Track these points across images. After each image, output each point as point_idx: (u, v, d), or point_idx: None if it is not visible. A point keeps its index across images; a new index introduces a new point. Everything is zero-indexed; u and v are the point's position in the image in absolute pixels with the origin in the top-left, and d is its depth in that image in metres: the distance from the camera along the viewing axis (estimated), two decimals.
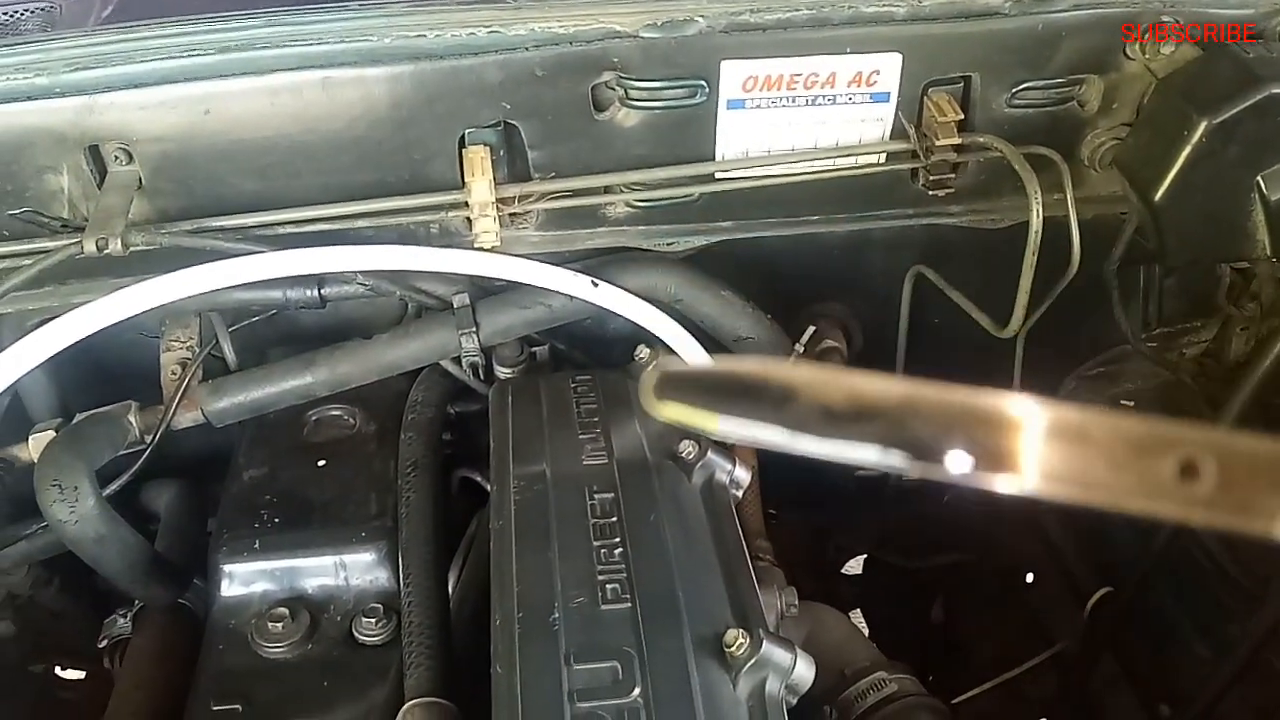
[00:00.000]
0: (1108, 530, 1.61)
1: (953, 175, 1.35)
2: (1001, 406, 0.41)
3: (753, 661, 0.93)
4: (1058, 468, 0.40)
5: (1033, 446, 0.40)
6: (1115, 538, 1.59)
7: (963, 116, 1.27)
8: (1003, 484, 0.40)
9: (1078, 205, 1.29)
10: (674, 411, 0.43)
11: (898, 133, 1.30)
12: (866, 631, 1.86)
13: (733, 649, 0.94)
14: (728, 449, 1.32)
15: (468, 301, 1.35)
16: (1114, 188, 1.40)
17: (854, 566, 2.11)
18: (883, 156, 1.33)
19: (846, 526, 1.93)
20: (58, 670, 1.73)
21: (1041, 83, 1.30)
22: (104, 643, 1.47)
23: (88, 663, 1.69)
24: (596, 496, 1.10)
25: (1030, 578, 1.74)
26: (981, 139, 1.29)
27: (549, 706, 0.88)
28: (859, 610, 1.98)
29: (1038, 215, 1.23)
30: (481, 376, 1.41)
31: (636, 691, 0.90)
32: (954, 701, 1.36)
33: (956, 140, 1.26)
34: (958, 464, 0.40)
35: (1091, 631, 1.55)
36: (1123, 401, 1.70)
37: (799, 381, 0.42)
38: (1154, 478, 0.38)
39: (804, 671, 0.96)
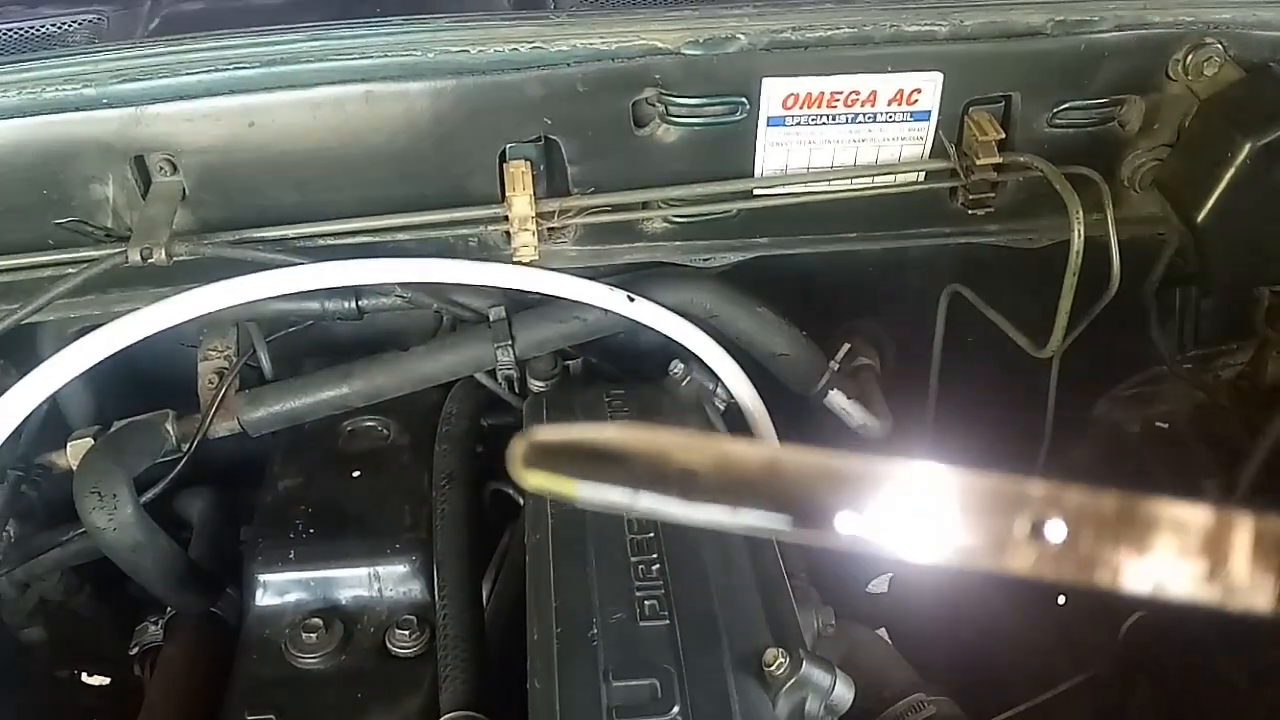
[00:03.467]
0: None
1: (992, 194, 1.34)
2: (863, 470, 0.41)
3: (792, 681, 0.93)
4: (918, 530, 0.41)
5: (895, 510, 0.41)
6: None
7: (1003, 136, 1.26)
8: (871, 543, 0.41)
9: (1117, 225, 1.29)
10: (539, 479, 0.43)
11: (937, 151, 1.30)
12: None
13: (772, 668, 0.93)
14: None
15: (504, 315, 1.35)
16: (1153, 208, 1.39)
17: (879, 584, 2.09)
18: (922, 175, 1.32)
19: None
20: (83, 676, 1.74)
21: (1082, 103, 1.29)
22: (135, 650, 1.47)
23: (114, 668, 1.69)
24: None
25: (1062, 599, 1.72)
26: (1022, 158, 1.28)
27: None
28: (884, 629, 1.97)
29: (1079, 235, 1.23)
30: (515, 389, 1.41)
31: (676, 709, 0.90)
32: None
33: (997, 159, 1.25)
34: (845, 525, 0.41)
35: (1126, 656, 1.53)
36: (1158, 424, 1.69)
37: (666, 448, 0.42)
38: (1007, 535, 0.40)
39: (843, 692, 0.96)
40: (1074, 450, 1.71)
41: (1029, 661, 1.71)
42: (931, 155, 1.31)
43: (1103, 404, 1.73)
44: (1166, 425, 1.66)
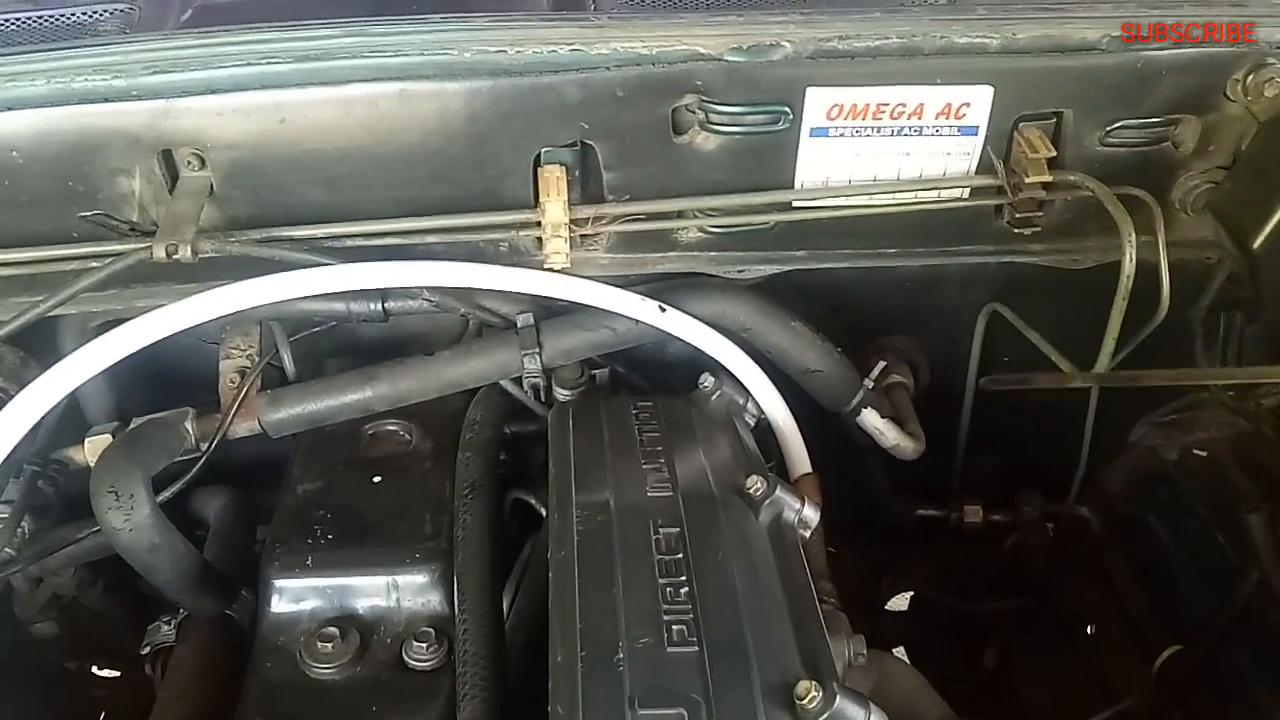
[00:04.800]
0: (1180, 585, 1.55)
1: (1039, 213, 1.31)
2: None
3: (825, 717, 0.89)
4: None
5: None
6: (1188, 593, 1.53)
7: (1054, 153, 1.22)
8: None
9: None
10: None
11: (984, 167, 1.26)
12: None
13: (804, 701, 0.90)
14: (795, 486, 1.29)
15: (532, 321, 1.33)
16: (1204, 232, 1.36)
17: (899, 603, 2.05)
18: (967, 191, 1.29)
19: (900, 564, 1.88)
20: (94, 669, 1.73)
21: (1136, 121, 1.26)
22: (147, 649, 1.46)
23: (125, 663, 1.68)
24: (661, 531, 1.06)
25: (1091, 629, 1.68)
26: (1072, 177, 1.24)
27: None
28: (903, 649, 1.93)
29: (1130, 259, 1.19)
30: (541, 398, 1.38)
31: None
32: None
33: (1047, 177, 1.22)
34: None
35: (1159, 690, 1.49)
36: (1195, 451, 1.65)
37: None
38: None
39: None
40: (1108, 477, 1.67)
41: (1053, 694, 1.67)
42: (978, 171, 1.27)
43: (1139, 429, 1.69)
44: (1205, 453, 1.61)
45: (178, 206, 1.18)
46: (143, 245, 1.16)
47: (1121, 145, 1.27)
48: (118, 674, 1.74)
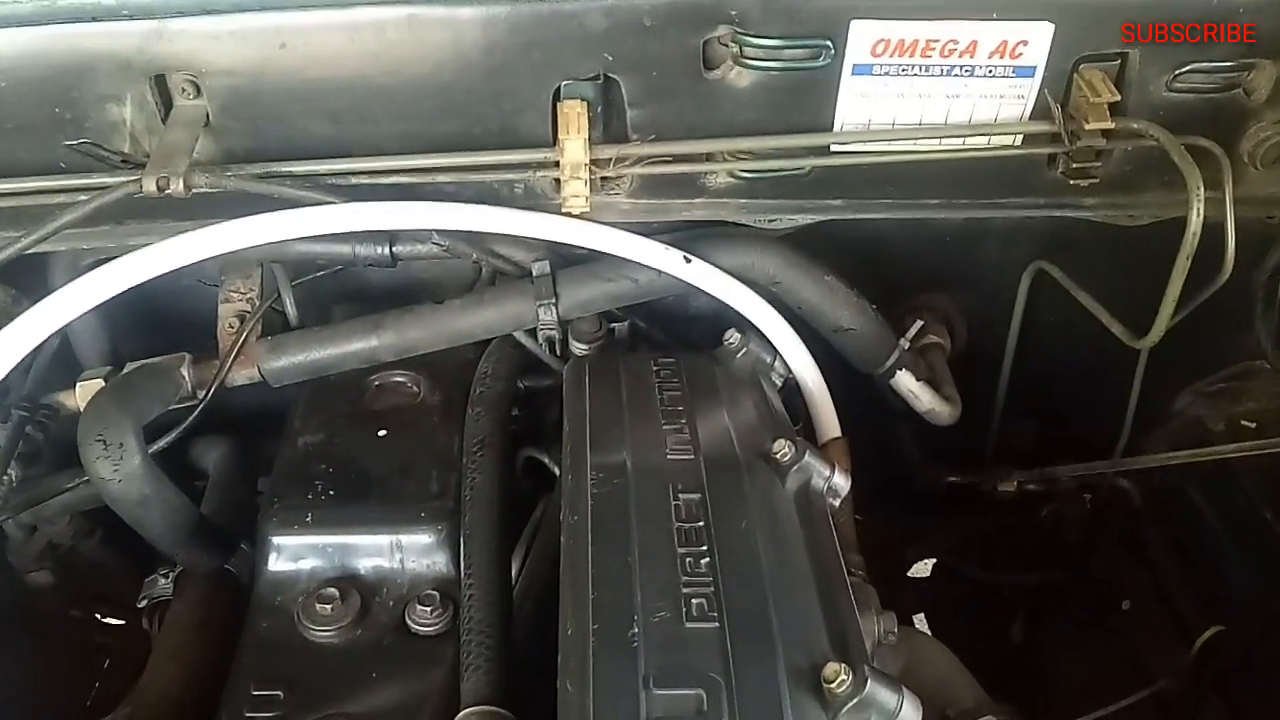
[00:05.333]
0: (1224, 563, 1.48)
1: (1097, 163, 1.21)
2: None
3: (855, 702, 0.83)
4: None
5: None
6: (1233, 573, 1.46)
7: (1118, 98, 1.13)
8: None
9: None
10: None
11: (1040, 112, 1.17)
12: None
13: (833, 685, 0.83)
14: (824, 451, 1.22)
15: (548, 270, 1.26)
16: (1273, 188, 1.26)
17: (921, 569, 1.99)
18: (1020, 138, 1.20)
19: (928, 532, 1.81)
20: (99, 617, 1.69)
21: (1208, 65, 1.16)
22: (144, 603, 1.42)
23: (128, 612, 1.64)
24: (681, 496, 1.00)
25: (1127, 605, 1.61)
26: (1136, 125, 1.15)
27: None
28: (923, 615, 1.87)
29: (1198, 214, 1.10)
30: (556, 351, 1.31)
31: None
32: None
33: (1108, 124, 1.12)
34: None
35: (1197, 673, 1.43)
36: (1244, 422, 1.57)
37: None
38: None
39: (910, 715, 0.86)
40: (1150, 447, 1.59)
41: (1084, 671, 1.61)
42: (1032, 116, 1.18)
43: (1184, 397, 1.62)
44: (1255, 424, 1.54)
45: (171, 137, 1.11)
46: (132, 178, 1.08)
47: (1190, 91, 1.17)
48: (122, 622, 1.71)
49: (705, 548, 0.94)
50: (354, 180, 1.18)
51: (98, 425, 1.11)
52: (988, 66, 1.14)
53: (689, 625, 0.87)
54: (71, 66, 1.10)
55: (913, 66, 1.14)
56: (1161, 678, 1.46)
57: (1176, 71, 1.16)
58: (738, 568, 0.93)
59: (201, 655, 1.23)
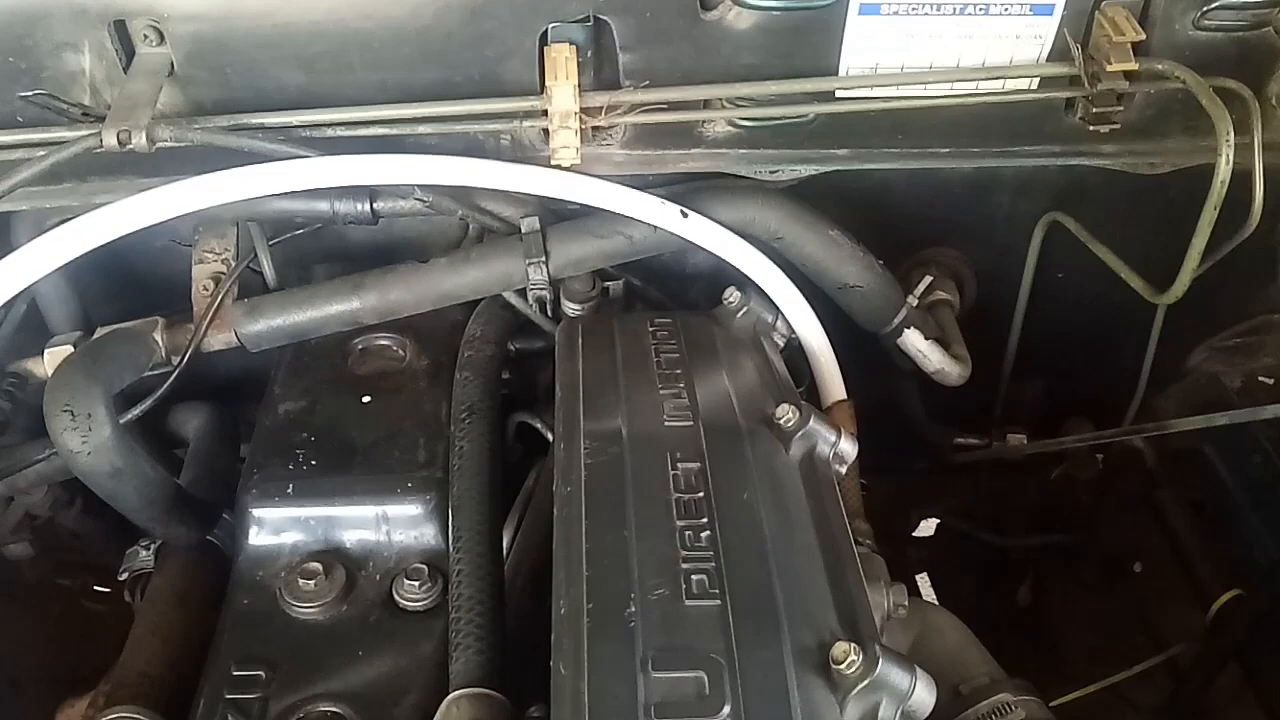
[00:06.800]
0: (1241, 525, 1.43)
1: (1119, 108, 1.16)
2: None
3: (866, 683, 0.78)
4: None
5: None
6: (1250, 535, 1.41)
7: (1142, 37, 1.06)
8: None
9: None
10: None
11: (1058, 54, 1.11)
12: (934, 599, 1.71)
13: (842, 666, 0.79)
14: (829, 415, 1.17)
15: (537, 226, 1.21)
16: None
17: (925, 528, 1.96)
18: (1036, 81, 1.14)
19: (934, 494, 1.77)
20: (93, 585, 1.66)
21: (1237, 1, 1.09)
22: (124, 575, 1.38)
23: (114, 582, 1.61)
24: (680, 466, 0.96)
25: (1139, 568, 1.57)
26: (1160, 66, 1.09)
27: None
28: (926, 575, 1.84)
29: (1227, 161, 1.05)
30: (548, 312, 1.26)
31: (726, 710, 0.76)
32: (1052, 704, 1.21)
33: (1132, 65, 1.07)
34: None
35: (1214, 637, 1.39)
36: (1261, 378, 1.53)
37: None
38: None
39: (924, 696, 0.81)
40: (1164, 405, 1.54)
41: (1095, 636, 1.58)
42: (1050, 58, 1.12)
43: (1199, 354, 1.57)
44: (1272, 380, 1.49)
45: (132, 87, 1.06)
46: (91, 131, 1.03)
47: (1218, 29, 1.11)
48: (109, 590, 1.68)
49: (705, 520, 0.90)
50: (330, 132, 1.13)
51: (65, 394, 1.06)
52: (1003, 5, 1.09)
53: (689, 603, 0.83)
54: (25, 11, 1.05)
55: (923, 5, 1.08)
56: (1176, 643, 1.43)
57: (1204, 9, 1.10)
58: (740, 541, 0.88)
59: (183, 630, 1.19)
